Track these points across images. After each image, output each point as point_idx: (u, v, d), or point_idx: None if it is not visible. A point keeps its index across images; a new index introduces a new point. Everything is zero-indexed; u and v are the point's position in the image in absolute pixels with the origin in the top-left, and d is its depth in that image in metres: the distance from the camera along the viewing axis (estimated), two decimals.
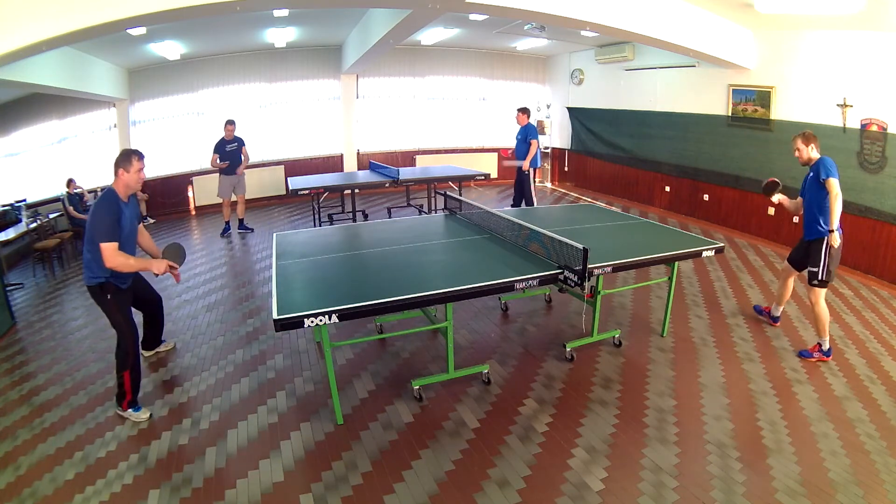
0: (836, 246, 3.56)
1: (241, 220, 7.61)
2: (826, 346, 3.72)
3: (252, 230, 7.64)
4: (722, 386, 3.33)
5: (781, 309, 4.26)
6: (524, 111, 7.18)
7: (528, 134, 7.02)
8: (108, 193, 2.97)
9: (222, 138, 7.11)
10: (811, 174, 3.69)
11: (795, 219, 6.31)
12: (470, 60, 10.72)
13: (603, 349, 3.82)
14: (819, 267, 3.64)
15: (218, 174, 7.29)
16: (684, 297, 4.85)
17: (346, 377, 3.50)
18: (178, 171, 9.15)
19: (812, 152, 3.67)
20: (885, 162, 5.24)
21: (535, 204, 7.15)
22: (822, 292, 3.69)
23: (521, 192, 7.22)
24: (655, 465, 2.60)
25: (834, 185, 3.48)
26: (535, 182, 7.25)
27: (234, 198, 7.45)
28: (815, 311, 3.70)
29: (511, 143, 7.50)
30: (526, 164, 6.99)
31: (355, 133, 10.30)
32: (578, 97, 10.29)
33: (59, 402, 3.33)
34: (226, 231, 7.47)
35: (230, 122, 7.12)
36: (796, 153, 3.74)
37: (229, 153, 7.12)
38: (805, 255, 3.80)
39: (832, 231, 3.52)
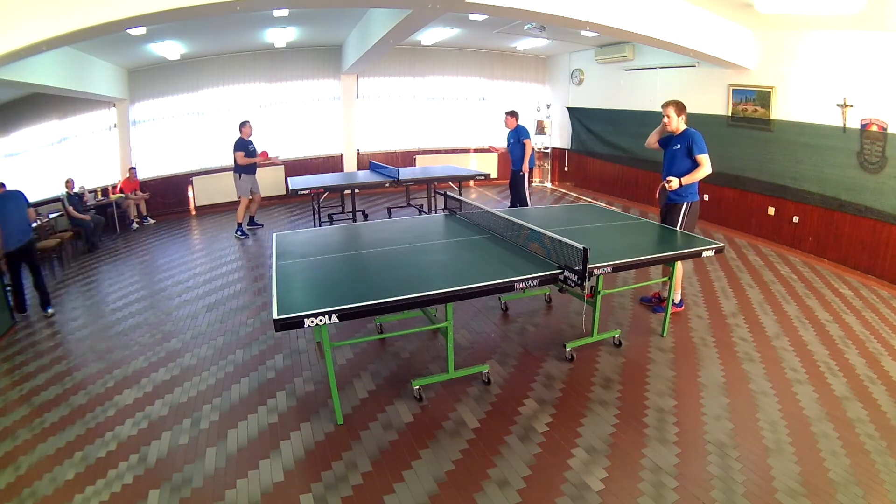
0: (673, 187, 3.99)
1: (251, 218, 7.76)
2: (678, 300, 4.43)
3: (262, 225, 7.89)
4: (722, 386, 3.33)
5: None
6: (513, 114, 6.99)
7: (520, 135, 6.90)
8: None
9: (242, 138, 7.16)
10: (678, 146, 4.04)
11: (796, 218, 6.33)
12: (470, 60, 10.72)
13: (603, 349, 3.82)
14: (677, 227, 4.13)
15: (238, 174, 7.24)
16: (684, 297, 4.84)
17: (346, 377, 3.50)
18: (178, 171, 9.15)
19: (681, 123, 4.05)
20: (885, 162, 5.23)
21: (529, 205, 7.13)
22: None
23: (517, 193, 7.21)
24: (655, 465, 2.60)
25: (706, 161, 3.92)
26: (530, 184, 7.21)
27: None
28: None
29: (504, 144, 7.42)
30: (525, 167, 6.95)
31: (355, 133, 10.30)
32: (578, 97, 10.28)
33: (59, 402, 3.33)
34: (251, 228, 7.69)
35: (248, 123, 7.25)
36: (666, 119, 4.07)
37: (252, 152, 7.22)
38: (664, 217, 4.27)
39: (679, 179, 3.95)
